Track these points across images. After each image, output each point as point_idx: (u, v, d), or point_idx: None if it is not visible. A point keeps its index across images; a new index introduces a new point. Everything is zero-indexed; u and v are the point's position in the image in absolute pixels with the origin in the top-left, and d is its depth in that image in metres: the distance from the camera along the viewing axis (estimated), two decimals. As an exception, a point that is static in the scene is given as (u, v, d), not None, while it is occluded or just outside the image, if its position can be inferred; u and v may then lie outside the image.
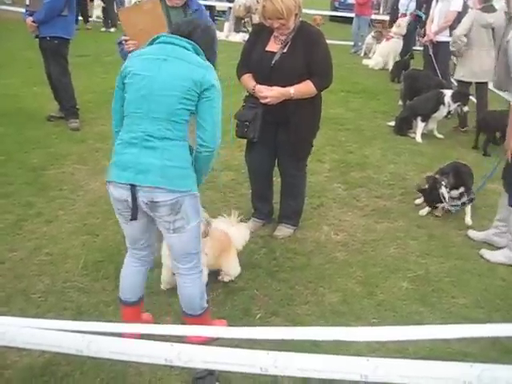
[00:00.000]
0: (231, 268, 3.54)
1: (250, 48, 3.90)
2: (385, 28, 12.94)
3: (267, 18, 3.60)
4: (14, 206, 4.41)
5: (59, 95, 6.50)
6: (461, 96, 6.79)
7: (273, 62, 3.69)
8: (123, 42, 3.82)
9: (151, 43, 2.69)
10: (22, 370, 2.72)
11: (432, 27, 8.08)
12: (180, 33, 2.68)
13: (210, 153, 2.71)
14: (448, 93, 6.85)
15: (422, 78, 7.85)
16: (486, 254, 4.03)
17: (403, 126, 6.94)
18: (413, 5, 10.21)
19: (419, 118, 6.84)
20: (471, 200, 4.60)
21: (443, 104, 6.79)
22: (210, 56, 2.80)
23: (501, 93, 7.45)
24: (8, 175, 5.01)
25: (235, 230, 3.65)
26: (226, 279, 3.54)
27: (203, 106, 2.63)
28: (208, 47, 2.78)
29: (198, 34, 2.71)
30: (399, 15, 11.53)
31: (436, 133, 7.00)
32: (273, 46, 3.75)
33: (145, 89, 2.54)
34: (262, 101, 3.72)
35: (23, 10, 6.36)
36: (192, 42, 2.65)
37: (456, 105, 6.77)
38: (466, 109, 6.83)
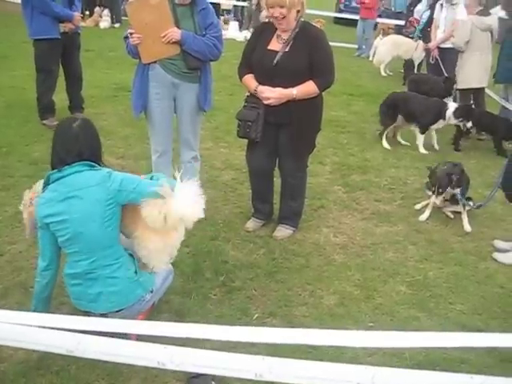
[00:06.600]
0: None
1: (251, 48, 3.90)
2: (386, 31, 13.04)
3: (269, 5, 3.59)
4: (14, 198, 4.40)
5: (79, 86, 6.49)
6: (464, 112, 6.33)
7: (275, 62, 3.69)
8: (129, 35, 3.84)
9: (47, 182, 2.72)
10: (17, 364, 2.73)
11: (438, 34, 8.11)
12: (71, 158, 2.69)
13: None
14: (451, 107, 6.35)
15: (426, 82, 7.83)
16: (500, 256, 4.06)
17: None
18: (427, 14, 10.24)
19: (418, 130, 6.50)
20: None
21: (443, 119, 6.36)
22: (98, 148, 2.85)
23: (494, 96, 7.52)
24: (9, 167, 5.01)
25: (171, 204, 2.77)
26: None
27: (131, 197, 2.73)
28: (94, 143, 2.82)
29: (81, 141, 2.72)
30: (412, 18, 11.53)
31: (436, 144, 6.67)
32: (275, 45, 3.75)
33: (69, 232, 2.65)
34: (265, 102, 3.72)
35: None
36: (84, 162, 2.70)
37: (458, 120, 6.35)
38: (469, 124, 6.36)
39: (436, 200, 4.55)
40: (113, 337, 1.93)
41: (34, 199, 2.84)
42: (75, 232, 2.63)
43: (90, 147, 2.75)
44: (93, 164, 2.71)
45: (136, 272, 2.81)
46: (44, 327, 1.89)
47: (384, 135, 6.58)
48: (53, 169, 2.71)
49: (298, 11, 3.66)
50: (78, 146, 2.68)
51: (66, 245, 2.69)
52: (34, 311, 2.80)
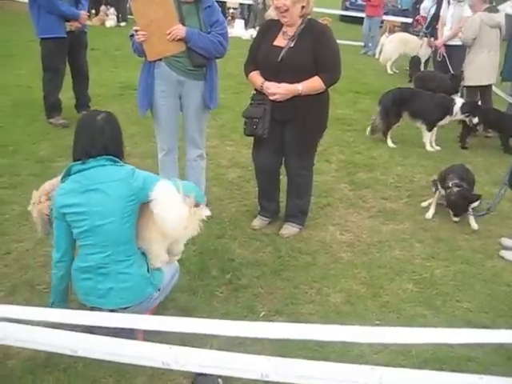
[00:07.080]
0: None
1: (257, 45, 3.91)
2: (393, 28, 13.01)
3: None
4: (21, 197, 4.42)
5: (85, 84, 6.54)
6: (471, 107, 6.34)
7: (280, 58, 3.69)
8: (134, 33, 3.85)
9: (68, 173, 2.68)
10: (24, 361, 2.74)
11: (445, 31, 8.10)
12: (95, 151, 2.66)
13: None
14: (459, 102, 6.35)
15: (432, 80, 7.79)
16: (507, 254, 4.04)
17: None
18: (434, 9, 10.21)
19: (424, 128, 6.44)
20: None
21: (450, 114, 6.33)
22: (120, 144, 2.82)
23: (501, 93, 7.48)
24: (15, 166, 5.04)
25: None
26: None
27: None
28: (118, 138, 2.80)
29: (106, 136, 2.69)
30: (419, 16, 11.49)
31: (434, 143, 6.55)
32: (280, 41, 3.76)
33: (86, 224, 2.63)
34: (271, 97, 3.72)
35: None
36: (108, 156, 2.66)
37: (464, 115, 6.33)
38: (475, 120, 6.33)
39: (457, 219, 4.56)
40: (119, 335, 1.93)
41: (42, 196, 2.84)
42: (93, 225, 2.61)
43: (115, 141, 2.75)
44: (116, 160, 2.70)
45: (148, 270, 2.82)
46: (54, 323, 1.89)
47: (389, 135, 6.52)
48: (74, 160, 2.69)
49: (303, 7, 3.66)
50: (103, 139, 2.67)
51: (81, 237, 2.67)
52: (53, 303, 2.82)
